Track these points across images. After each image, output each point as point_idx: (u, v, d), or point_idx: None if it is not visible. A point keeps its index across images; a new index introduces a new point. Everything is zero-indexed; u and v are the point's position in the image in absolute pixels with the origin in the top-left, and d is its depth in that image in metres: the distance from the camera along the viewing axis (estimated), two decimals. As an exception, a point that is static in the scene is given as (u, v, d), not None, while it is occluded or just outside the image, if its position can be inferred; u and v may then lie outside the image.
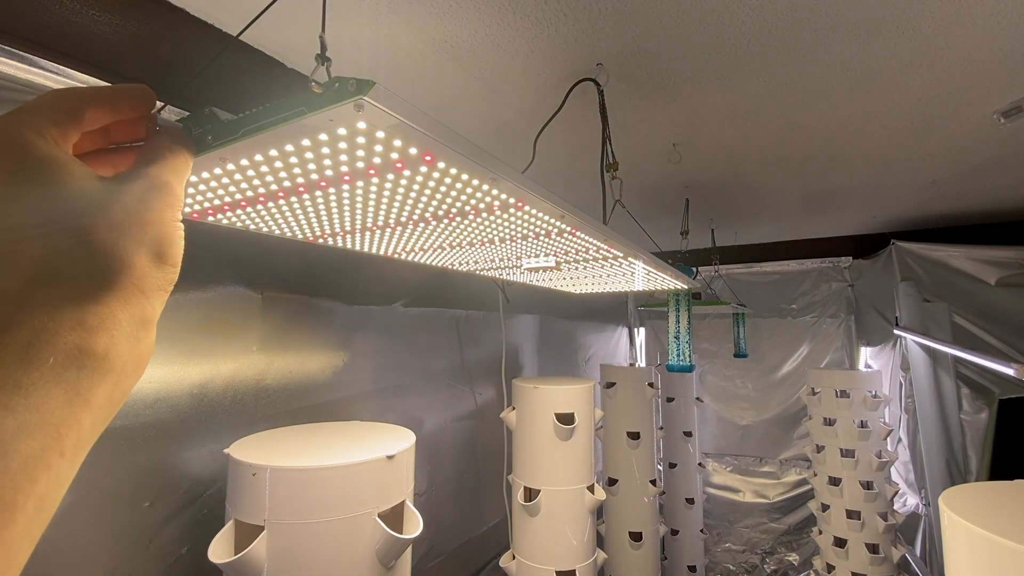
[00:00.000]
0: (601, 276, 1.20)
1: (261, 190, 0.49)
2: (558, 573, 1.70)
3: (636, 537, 2.44)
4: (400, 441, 1.10)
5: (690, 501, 3.17)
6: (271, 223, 0.63)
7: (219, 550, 0.91)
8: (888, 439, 2.62)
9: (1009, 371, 1.70)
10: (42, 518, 0.22)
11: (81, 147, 0.32)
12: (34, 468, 0.21)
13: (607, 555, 2.34)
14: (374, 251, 0.83)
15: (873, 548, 2.40)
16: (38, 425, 0.21)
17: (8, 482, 0.20)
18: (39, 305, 0.23)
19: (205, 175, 0.45)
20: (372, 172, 0.46)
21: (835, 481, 2.55)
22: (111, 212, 0.27)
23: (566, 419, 1.75)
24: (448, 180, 0.48)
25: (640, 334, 4.23)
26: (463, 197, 0.54)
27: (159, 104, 0.36)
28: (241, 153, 0.40)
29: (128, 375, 0.26)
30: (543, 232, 0.72)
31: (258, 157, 0.41)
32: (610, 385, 2.56)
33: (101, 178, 0.28)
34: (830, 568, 2.52)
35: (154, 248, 0.28)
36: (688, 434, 3.24)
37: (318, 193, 0.51)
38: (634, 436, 2.48)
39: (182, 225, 0.30)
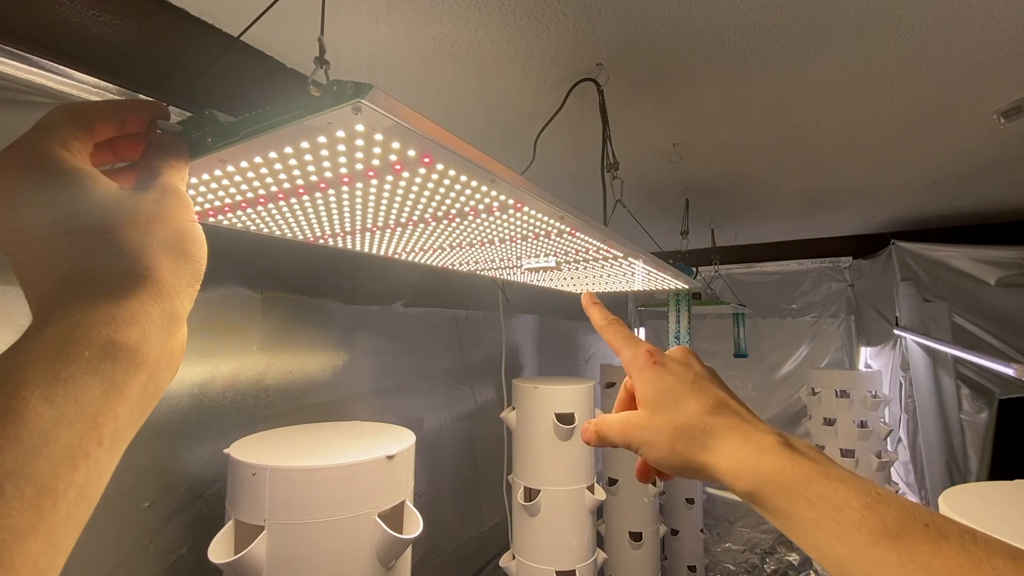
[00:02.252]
0: (601, 276, 1.20)
1: (261, 192, 0.50)
2: (558, 573, 1.71)
3: (636, 537, 2.44)
4: (400, 441, 1.10)
5: (690, 501, 3.17)
6: (271, 224, 0.63)
7: (219, 550, 0.91)
8: (888, 439, 2.62)
9: (1009, 371, 1.70)
10: (85, 506, 0.23)
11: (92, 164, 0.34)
12: (74, 456, 0.22)
13: (607, 555, 2.34)
14: (374, 252, 0.83)
15: (873, 548, 2.39)
16: (77, 415, 0.22)
17: (50, 470, 0.21)
18: (74, 302, 0.25)
19: (205, 177, 0.45)
20: (371, 174, 0.46)
21: (835, 481, 2.54)
22: (135, 215, 0.29)
23: (566, 419, 1.75)
24: (447, 182, 0.48)
25: (640, 334, 4.24)
26: (462, 198, 0.54)
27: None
28: (240, 155, 0.40)
29: (161, 369, 0.27)
30: (543, 233, 0.72)
31: (257, 159, 0.42)
32: (610, 385, 2.56)
33: (121, 188, 0.30)
34: (830, 568, 2.52)
35: (177, 245, 0.30)
36: (688, 434, 3.24)
37: (317, 195, 0.51)
38: (634, 436, 2.48)
39: (199, 225, 0.32)
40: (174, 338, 0.28)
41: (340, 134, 0.37)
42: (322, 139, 0.38)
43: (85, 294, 0.25)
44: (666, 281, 1.34)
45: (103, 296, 0.25)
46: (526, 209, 0.59)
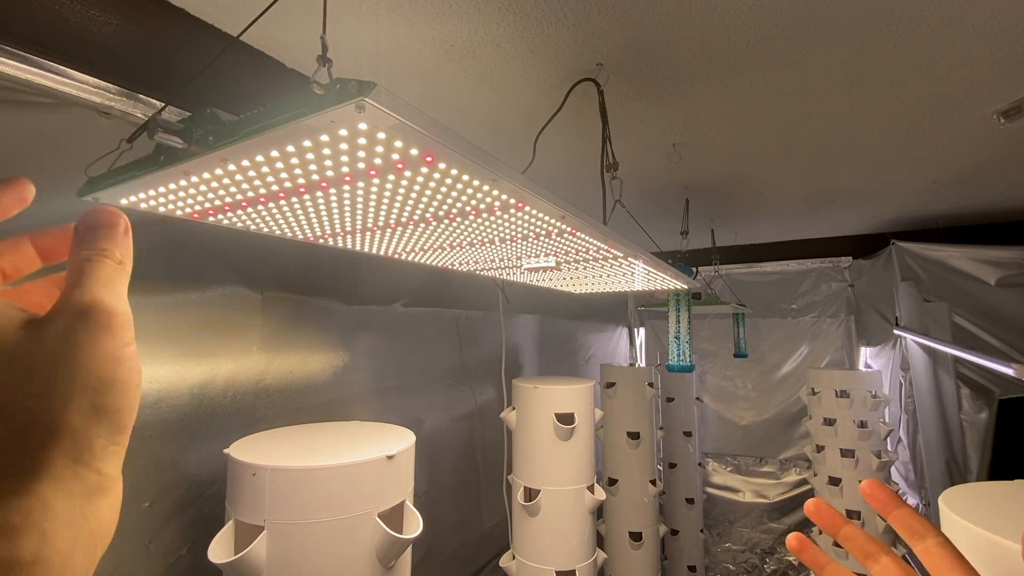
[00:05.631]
0: (601, 276, 1.20)
1: (262, 191, 0.49)
2: (558, 573, 1.70)
3: (636, 537, 2.44)
4: (400, 441, 1.10)
5: (690, 501, 3.17)
6: (271, 223, 0.63)
7: (219, 550, 0.91)
8: (888, 439, 2.62)
9: (1009, 371, 1.70)
10: None
11: (13, 276, 0.26)
12: None
13: (607, 555, 2.34)
14: (374, 251, 0.83)
15: (873, 548, 2.39)
16: None
17: None
18: None
19: (206, 175, 0.45)
20: (373, 173, 0.46)
21: (835, 481, 2.55)
22: (33, 370, 0.21)
23: (566, 419, 1.75)
24: (449, 181, 0.48)
25: (640, 334, 4.23)
26: (463, 197, 0.54)
27: (159, 105, 0.36)
28: (242, 154, 0.40)
29: (75, 559, 0.21)
30: (543, 232, 0.72)
31: (259, 158, 0.41)
32: (610, 385, 2.56)
33: (24, 324, 0.22)
34: (830, 568, 2.52)
35: (92, 398, 0.22)
36: (688, 434, 3.24)
37: (319, 194, 0.51)
38: (634, 436, 2.48)
39: (131, 350, 0.24)
40: (92, 519, 0.22)
41: (343, 132, 0.37)
42: (324, 137, 0.38)
43: None
44: (666, 281, 1.34)
45: None
46: (527, 208, 0.59)
